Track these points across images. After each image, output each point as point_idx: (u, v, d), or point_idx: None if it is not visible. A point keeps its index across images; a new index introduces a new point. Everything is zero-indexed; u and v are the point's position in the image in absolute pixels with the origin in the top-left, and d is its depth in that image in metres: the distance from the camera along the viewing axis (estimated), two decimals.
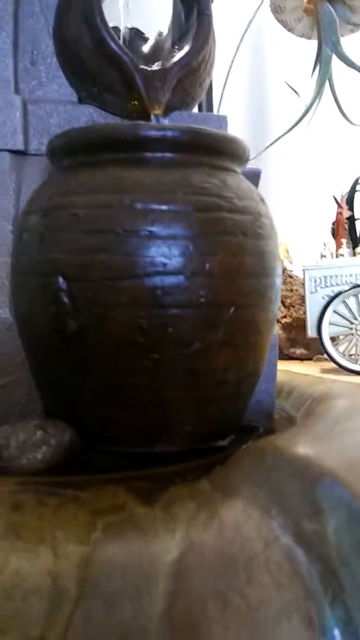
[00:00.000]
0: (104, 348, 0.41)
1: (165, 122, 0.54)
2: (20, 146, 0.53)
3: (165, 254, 0.40)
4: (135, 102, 0.55)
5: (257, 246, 0.44)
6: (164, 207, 0.41)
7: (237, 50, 1.10)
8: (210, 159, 0.45)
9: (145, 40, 0.70)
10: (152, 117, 0.52)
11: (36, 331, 0.44)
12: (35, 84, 0.57)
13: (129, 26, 0.68)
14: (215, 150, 0.45)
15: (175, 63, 0.54)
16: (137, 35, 0.69)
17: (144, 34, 0.70)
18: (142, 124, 0.44)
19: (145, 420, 0.43)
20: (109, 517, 0.33)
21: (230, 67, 1.10)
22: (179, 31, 0.62)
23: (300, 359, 1.12)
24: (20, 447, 0.42)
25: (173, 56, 0.56)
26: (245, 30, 1.08)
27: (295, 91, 1.22)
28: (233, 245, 0.42)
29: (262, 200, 0.47)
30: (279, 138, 1.04)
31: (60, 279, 0.41)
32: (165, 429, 0.44)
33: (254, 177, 0.56)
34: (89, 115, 0.56)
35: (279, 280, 0.47)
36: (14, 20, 0.55)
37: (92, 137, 0.44)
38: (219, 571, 0.31)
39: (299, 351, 1.12)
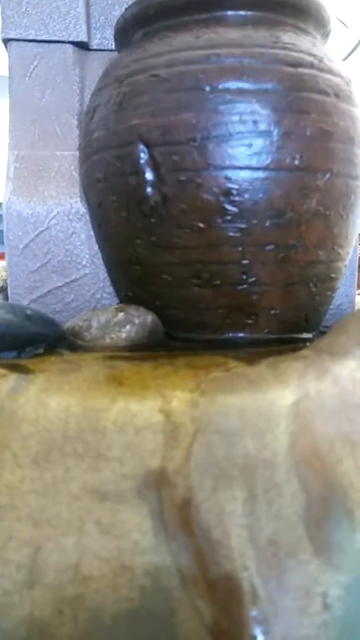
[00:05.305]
0: (190, 218, 0.39)
1: None
2: (83, 37, 0.51)
3: (256, 110, 0.37)
4: None
5: (350, 110, 0.40)
6: (253, 61, 0.37)
7: None
8: (296, 20, 0.41)
9: None
10: None
11: (113, 211, 0.42)
12: None
13: None
14: (301, 12, 0.41)
15: None
16: None
17: None
18: None
19: (231, 301, 0.40)
20: (213, 372, 0.31)
21: None
22: None
23: None
24: (102, 327, 0.40)
25: None
26: None
27: (343, 23, 1.16)
28: (327, 105, 0.39)
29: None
30: None
31: (141, 145, 0.39)
32: (252, 311, 0.41)
33: None
34: None
35: None
36: None
37: None
38: (342, 415, 0.28)
39: None
